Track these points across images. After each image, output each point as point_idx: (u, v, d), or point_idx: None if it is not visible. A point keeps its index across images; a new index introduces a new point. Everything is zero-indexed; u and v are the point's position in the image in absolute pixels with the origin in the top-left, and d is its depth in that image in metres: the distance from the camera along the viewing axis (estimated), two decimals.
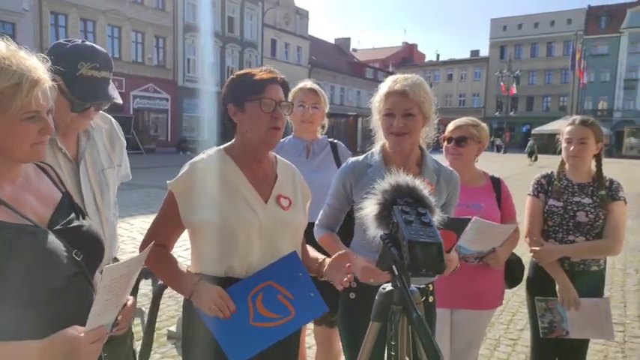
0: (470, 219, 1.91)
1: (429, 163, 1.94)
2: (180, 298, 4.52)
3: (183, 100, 30.82)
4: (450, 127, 2.43)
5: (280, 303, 1.55)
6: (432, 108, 1.90)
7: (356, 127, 24.44)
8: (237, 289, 1.52)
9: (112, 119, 1.97)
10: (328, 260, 1.68)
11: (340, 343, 2.77)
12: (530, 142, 29.36)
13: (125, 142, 2.00)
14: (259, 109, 1.54)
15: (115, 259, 1.93)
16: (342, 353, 2.82)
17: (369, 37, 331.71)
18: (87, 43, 1.71)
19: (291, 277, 1.58)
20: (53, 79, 1.53)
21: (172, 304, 4.33)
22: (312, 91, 2.65)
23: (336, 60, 50.56)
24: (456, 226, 1.74)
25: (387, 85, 1.89)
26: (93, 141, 1.81)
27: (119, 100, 1.72)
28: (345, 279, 1.55)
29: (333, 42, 58.30)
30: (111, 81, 1.72)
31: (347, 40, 61.13)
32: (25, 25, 22.86)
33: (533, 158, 27.02)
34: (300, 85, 2.69)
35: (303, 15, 42.09)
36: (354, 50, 65.67)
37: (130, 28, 27.87)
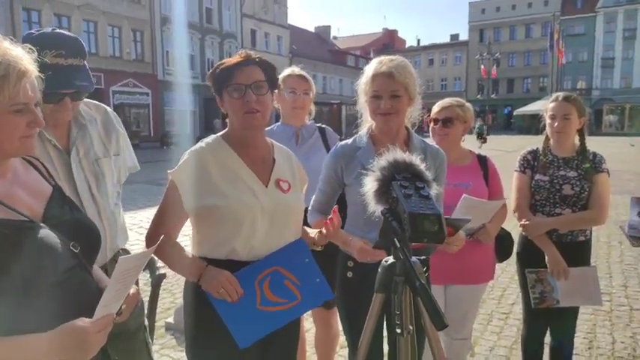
0: (469, 220, 1.93)
1: (416, 142, 1.99)
2: (176, 290, 4.52)
3: (164, 93, 30.41)
4: (436, 108, 2.47)
5: (287, 288, 1.58)
6: (417, 89, 1.94)
7: (340, 114, 24.50)
8: (244, 273, 1.55)
9: (107, 108, 1.95)
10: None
11: (338, 324, 2.83)
12: (478, 124, 26.87)
13: (123, 130, 1.98)
14: (230, 97, 1.57)
15: (125, 251, 1.92)
16: (341, 334, 2.88)
17: (349, 24, 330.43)
18: (56, 30, 1.66)
19: (297, 263, 1.61)
20: None
21: (168, 296, 4.35)
22: (302, 77, 2.66)
23: (317, 48, 50.32)
24: (456, 224, 1.77)
25: (372, 66, 1.92)
26: (85, 131, 1.79)
27: (91, 88, 1.67)
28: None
29: (313, 30, 57.93)
30: (85, 68, 1.67)
31: (327, 28, 60.75)
32: None
33: (481, 140, 24.57)
34: (288, 71, 2.69)
35: (281, 3, 41.67)
36: (335, 38, 65.33)
37: (105, 22, 27.31)
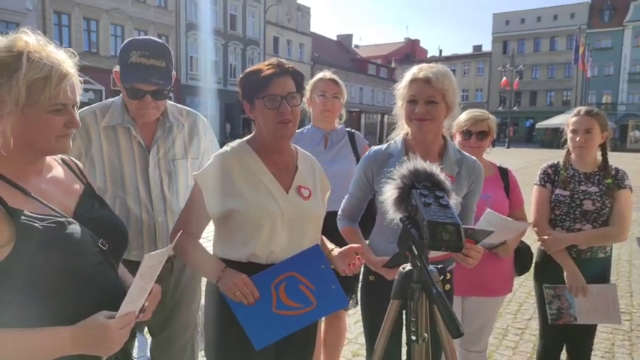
0: (492, 232, 1.91)
1: (451, 154, 1.95)
2: None
3: (186, 97, 30.84)
4: (469, 120, 2.42)
5: (302, 293, 1.61)
6: (457, 98, 1.91)
7: (359, 122, 24.58)
8: (261, 277, 1.58)
9: (198, 115, 2.09)
10: (337, 249, 1.76)
11: (347, 319, 2.84)
12: None
13: (209, 136, 2.10)
14: (264, 106, 1.58)
15: None
16: (354, 341, 2.87)
17: (371, 33, 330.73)
18: (147, 37, 1.90)
19: (313, 269, 1.63)
20: (114, 70, 1.73)
21: None
22: (333, 81, 2.71)
23: (339, 56, 50.50)
24: (478, 235, 1.77)
25: (411, 72, 1.93)
26: (169, 133, 1.95)
27: (166, 86, 1.82)
28: (349, 269, 1.68)
29: (335, 38, 58.22)
30: (167, 70, 1.83)
31: (349, 37, 60.98)
32: (29, 25, 22.82)
33: None
34: (320, 75, 2.75)
35: (304, 12, 42.04)
36: (357, 46, 65.52)
37: (132, 26, 27.91)
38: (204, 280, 1.77)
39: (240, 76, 1.68)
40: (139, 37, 1.89)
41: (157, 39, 1.89)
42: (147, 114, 1.85)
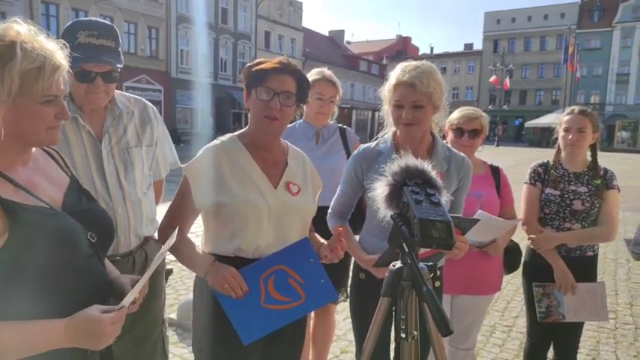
0: (478, 220, 1.90)
1: (440, 151, 1.94)
2: (179, 286, 4.57)
3: (176, 91, 30.63)
4: (461, 118, 2.39)
5: (291, 287, 1.59)
6: (443, 96, 1.89)
7: (350, 118, 24.60)
8: (249, 270, 1.56)
9: (147, 103, 2.04)
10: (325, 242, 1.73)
11: (336, 315, 2.83)
12: None
13: (160, 125, 2.05)
14: (256, 97, 1.58)
15: (156, 239, 1.95)
16: (342, 338, 2.87)
17: (363, 30, 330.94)
18: (91, 18, 1.84)
19: (302, 263, 1.62)
20: None
21: (171, 292, 4.37)
22: (331, 83, 2.65)
23: (330, 52, 50.42)
24: (464, 225, 1.75)
25: (395, 75, 1.88)
26: (120, 121, 1.88)
27: (117, 65, 1.76)
28: (331, 254, 1.63)
29: (327, 34, 58.10)
30: (116, 50, 1.78)
31: (341, 33, 60.91)
32: (16, 15, 22.37)
33: None
34: (319, 75, 2.65)
35: (296, 6, 41.86)
36: (348, 43, 65.45)
37: (122, 18, 27.56)
38: (190, 276, 1.75)
39: (247, 64, 1.67)
40: (83, 18, 1.82)
41: (102, 20, 1.84)
42: (97, 99, 1.77)
